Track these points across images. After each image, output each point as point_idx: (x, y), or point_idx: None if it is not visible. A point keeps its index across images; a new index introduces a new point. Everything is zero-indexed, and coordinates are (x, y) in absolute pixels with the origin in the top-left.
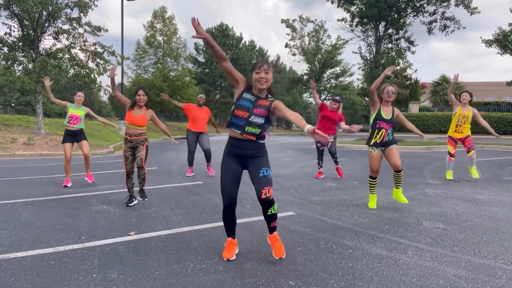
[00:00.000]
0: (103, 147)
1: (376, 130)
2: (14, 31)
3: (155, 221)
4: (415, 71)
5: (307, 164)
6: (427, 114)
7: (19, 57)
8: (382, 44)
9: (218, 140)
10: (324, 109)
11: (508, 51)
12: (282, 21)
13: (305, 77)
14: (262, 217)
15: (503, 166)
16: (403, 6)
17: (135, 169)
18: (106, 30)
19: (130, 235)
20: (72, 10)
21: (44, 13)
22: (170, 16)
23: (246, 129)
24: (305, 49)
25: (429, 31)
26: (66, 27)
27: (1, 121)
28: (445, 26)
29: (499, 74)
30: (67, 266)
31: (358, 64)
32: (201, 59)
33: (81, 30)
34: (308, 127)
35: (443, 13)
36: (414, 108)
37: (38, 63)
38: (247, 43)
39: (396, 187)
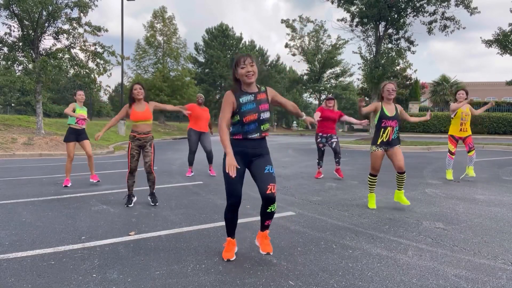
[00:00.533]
0: (103, 147)
1: (382, 129)
2: (14, 31)
3: (155, 221)
4: (415, 71)
5: (307, 164)
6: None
7: (19, 57)
8: (382, 44)
9: (218, 140)
10: (321, 110)
11: (508, 51)
12: (282, 21)
13: (305, 77)
14: None
15: (503, 166)
16: (403, 6)
17: (137, 170)
18: (106, 30)
19: (130, 235)
20: (72, 10)
21: (44, 13)
22: (170, 16)
23: (262, 128)
24: (305, 49)
25: (429, 31)
26: (66, 27)
27: (1, 121)
28: (445, 26)
29: (499, 74)
30: (67, 266)
31: (358, 64)
32: (201, 59)
33: (81, 30)
34: (305, 116)
35: (443, 13)
36: (414, 108)
37: (38, 63)
38: (247, 43)
39: (398, 189)
